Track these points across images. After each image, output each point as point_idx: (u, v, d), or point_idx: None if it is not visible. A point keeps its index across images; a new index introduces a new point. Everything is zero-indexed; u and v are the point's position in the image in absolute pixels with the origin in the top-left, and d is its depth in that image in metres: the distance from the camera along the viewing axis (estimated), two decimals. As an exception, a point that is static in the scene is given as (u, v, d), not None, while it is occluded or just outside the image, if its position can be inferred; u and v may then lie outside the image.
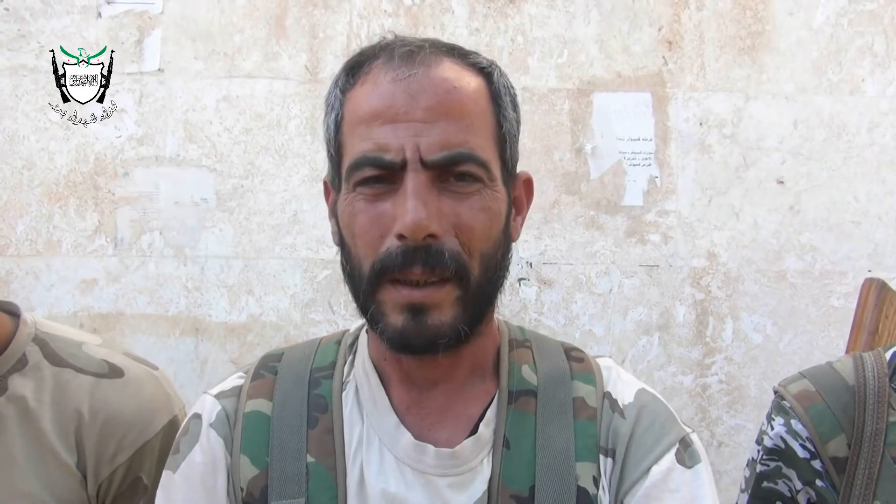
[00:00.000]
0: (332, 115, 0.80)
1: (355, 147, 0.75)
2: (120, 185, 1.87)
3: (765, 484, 0.96)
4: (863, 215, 1.91)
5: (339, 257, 0.81)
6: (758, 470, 0.97)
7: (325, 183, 0.85)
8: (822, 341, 1.89)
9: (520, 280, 1.89)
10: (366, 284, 0.75)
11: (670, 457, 0.78)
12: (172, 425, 0.94)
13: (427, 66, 0.75)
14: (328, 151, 0.82)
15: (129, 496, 0.92)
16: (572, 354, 0.86)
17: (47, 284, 1.86)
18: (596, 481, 0.77)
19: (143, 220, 1.87)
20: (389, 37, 0.80)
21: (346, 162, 0.76)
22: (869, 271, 1.90)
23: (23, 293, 1.85)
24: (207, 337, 1.87)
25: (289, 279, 1.88)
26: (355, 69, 0.79)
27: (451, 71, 0.76)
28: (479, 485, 0.77)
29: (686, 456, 0.79)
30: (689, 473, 0.78)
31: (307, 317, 1.88)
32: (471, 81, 0.77)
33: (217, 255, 1.88)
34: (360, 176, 0.75)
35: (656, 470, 0.78)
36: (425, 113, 0.73)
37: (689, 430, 0.82)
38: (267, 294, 1.88)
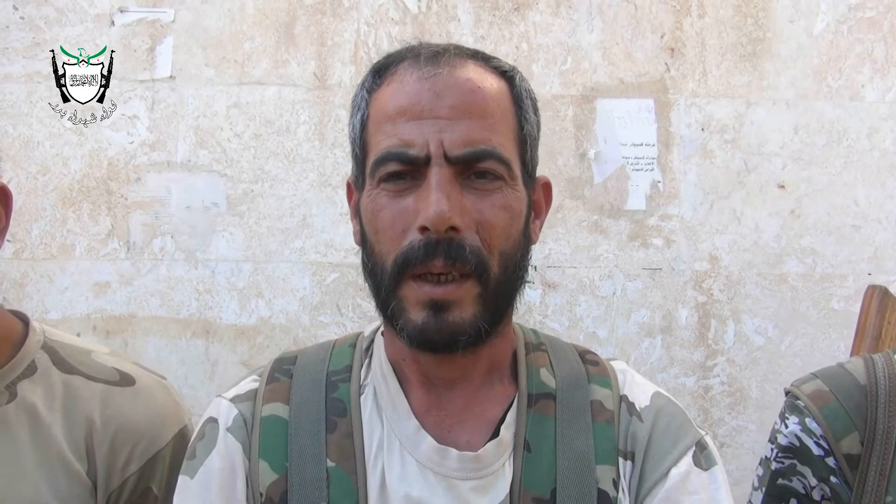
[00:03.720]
0: (358, 115, 0.80)
1: (381, 143, 0.75)
2: (132, 190, 1.86)
3: (780, 481, 0.97)
4: (863, 219, 1.89)
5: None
6: (772, 467, 0.97)
7: (348, 184, 0.85)
8: (823, 343, 1.87)
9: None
10: (388, 279, 0.74)
11: (688, 459, 0.78)
12: (183, 435, 0.92)
13: (452, 66, 0.76)
14: (353, 151, 0.82)
15: None
16: (587, 357, 0.86)
17: (61, 287, 1.85)
18: (616, 484, 0.77)
19: (155, 224, 1.86)
20: (414, 42, 0.81)
21: (371, 158, 0.76)
22: (869, 274, 1.88)
23: (37, 296, 1.84)
24: (218, 339, 1.86)
25: (298, 282, 1.86)
26: (382, 71, 0.79)
27: (474, 72, 0.77)
28: (502, 488, 0.76)
29: (702, 458, 0.79)
30: (705, 476, 0.78)
31: (316, 319, 1.86)
32: (493, 83, 0.77)
33: (227, 259, 1.87)
34: (384, 171, 0.74)
35: (675, 473, 0.77)
36: (450, 111, 0.73)
37: (703, 432, 0.82)
38: (276, 297, 1.86)
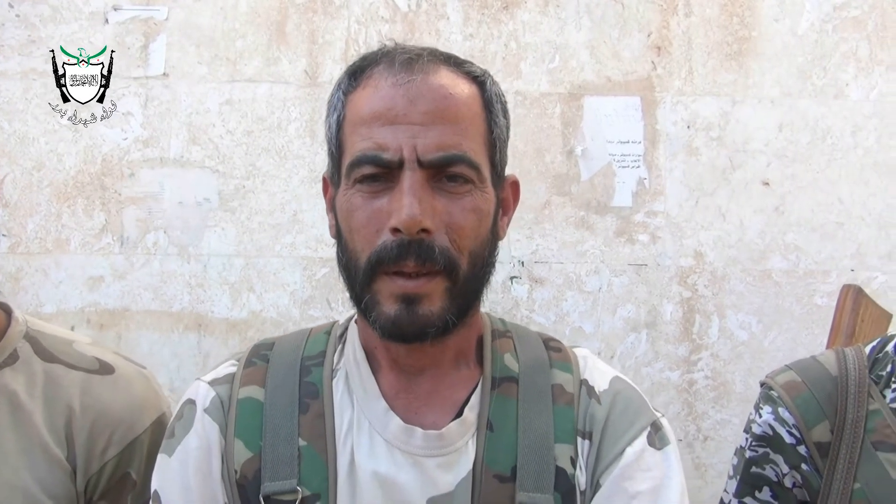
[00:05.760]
0: (335, 116, 0.83)
1: (356, 146, 0.78)
2: (126, 186, 1.88)
3: (753, 469, 1.00)
4: (846, 216, 1.90)
5: (335, 251, 0.85)
6: (746, 456, 1.00)
7: (324, 179, 0.87)
8: (806, 338, 1.88)
9: (512, 278, 1.92)
10: (361, 276, 0.78)
11: (642, 439, 0.82)
12: (161, 422, 0.94)
13: (425, 73, 0.78)
14: (329, 149, 0.84)
15: (118, 491, 0.91)
16: (550, 344, 0.89)
17: (56, 281, 1.87)
18: (573, 462, 0.81)
19: (149, 219, 1.88)
20: (390, 44, 0.83)
21: (347, 159, 0.79)
22: (852, 271, 1.90)
23: (32, 290, 1.86)
24: (210, 333, 1.88)
25: (288, 277, 1.89)
26: (357, 73, 0.82)
27: (447, 78, 0.79)
28: (465, 465, 0.80)
29: (657, 438, 0.83)
30: (659, 455, 0.82)
31: (306, 313, 1.88)
32: (465, 89, 0.80)
33: (219, 254, 1.89)
34: (359, 173, 0.77)
35: (630, 451, 0.81)
36: (423, 116, 0.77)
37: (659, 414, 0.86)
38: (267, 291, 1.88)
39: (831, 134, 1.93)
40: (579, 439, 0.82)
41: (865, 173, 1.92)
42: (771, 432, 0.97)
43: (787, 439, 0.96)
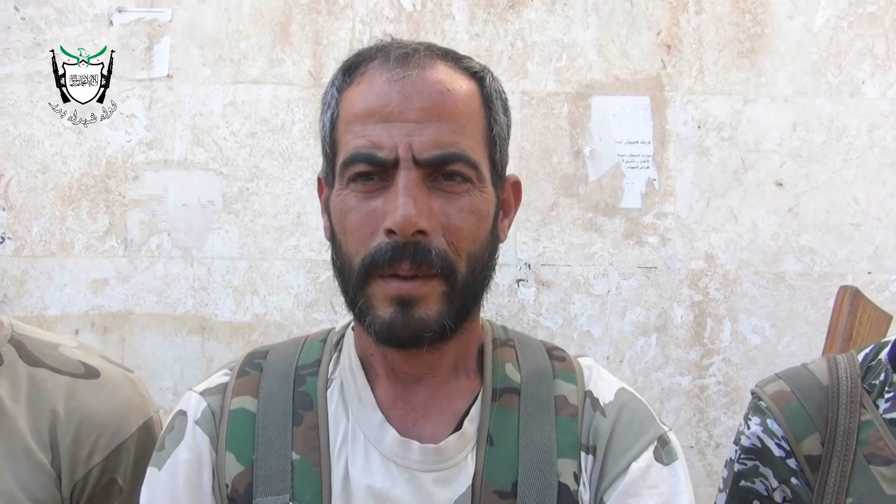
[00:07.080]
0: (329, 113, 0.81)
1: (349, 143, 0.76)
2: (130, 188, 1.88)
3: (742, 483, 0.97)
4: (862, 217, 1.86)
5: (330, 254, 0.84)
6: (735, 469, 0.97)
7: (318, 179, 0.86)
8: (821, 343, 1.81)
9: (518, 281, 1.90)
10: (355, 279, 0.76)
11: (648, 454, 0.80)
12: (148, 427, 0.93)
13: (421, 68, 0.77)
14: (323, 148, 0.83)
15: (104, 497, 0.91)
16: (554, 353, 0.87)
17: (60, 284, 1.87)
18: (577, 477, 0.78)
19: (152, 222, 1.88)
20: (386, 40, 0.81)
21: (340, 158, 0.77)
22: (868, 273, 1.86)
23: (37, 292, 1.87)
24: (213, 336, 1.88)
25: (292, 280, 1.89)
26: (352, 70, 0.80)
27: (444, 74, 0.77)
28: (464, 480, 0.78)
29: (664, 453, 0.80)
30: (666, 471, 0.80)
31: (310, 316, 1.88)
32: (463, 84, 0.78)
33: (223, 256, 1.89)
34: (352, 171, 0.76)
35: (635, 467, 0.79)
36: (418, 113, 0.75)
37: (666, 428, 0.83)
38: (271, 294, 1.88)
39: (847, 133, 1.89)
40: (583, 454, 0.80)
41: (882, 173, 1.88)
42: (760, 445, 0.95)
43: (777, 452, 0.93)
